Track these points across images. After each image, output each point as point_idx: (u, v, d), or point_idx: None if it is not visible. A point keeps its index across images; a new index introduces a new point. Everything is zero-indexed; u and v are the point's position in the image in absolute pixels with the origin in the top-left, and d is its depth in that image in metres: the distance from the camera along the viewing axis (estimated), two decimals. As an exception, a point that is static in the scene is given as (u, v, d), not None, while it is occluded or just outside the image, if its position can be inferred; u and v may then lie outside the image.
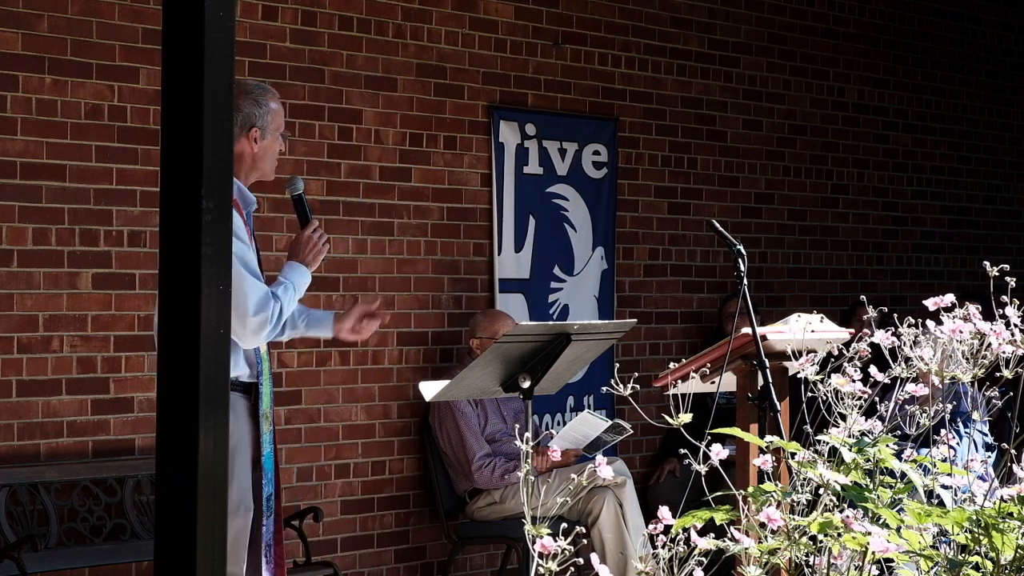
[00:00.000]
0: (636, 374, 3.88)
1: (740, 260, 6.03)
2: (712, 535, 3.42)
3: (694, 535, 3.36)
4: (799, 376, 3.61)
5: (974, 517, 3.40)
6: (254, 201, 5.58)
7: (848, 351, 3.58)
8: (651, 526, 3.42)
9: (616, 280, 9.51)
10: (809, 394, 3.55)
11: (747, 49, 10.33)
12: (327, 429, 8.13)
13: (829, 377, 3.54)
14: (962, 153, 11.94)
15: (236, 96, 5.51)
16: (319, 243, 5.59)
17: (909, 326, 3.51)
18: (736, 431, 3.83)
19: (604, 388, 3.97)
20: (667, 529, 3.38)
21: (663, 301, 9.85)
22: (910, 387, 3.56)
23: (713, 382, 5.74)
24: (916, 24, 11.57)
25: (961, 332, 3.45)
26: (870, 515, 3.39)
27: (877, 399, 3.56)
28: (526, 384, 5.74)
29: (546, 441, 8.09)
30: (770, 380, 5.90)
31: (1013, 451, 3.52)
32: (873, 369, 3.58)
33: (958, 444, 6.16)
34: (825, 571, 3.42)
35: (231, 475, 5.37)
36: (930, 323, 3.52)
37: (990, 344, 3.47)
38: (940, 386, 3.51)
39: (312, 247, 5.58)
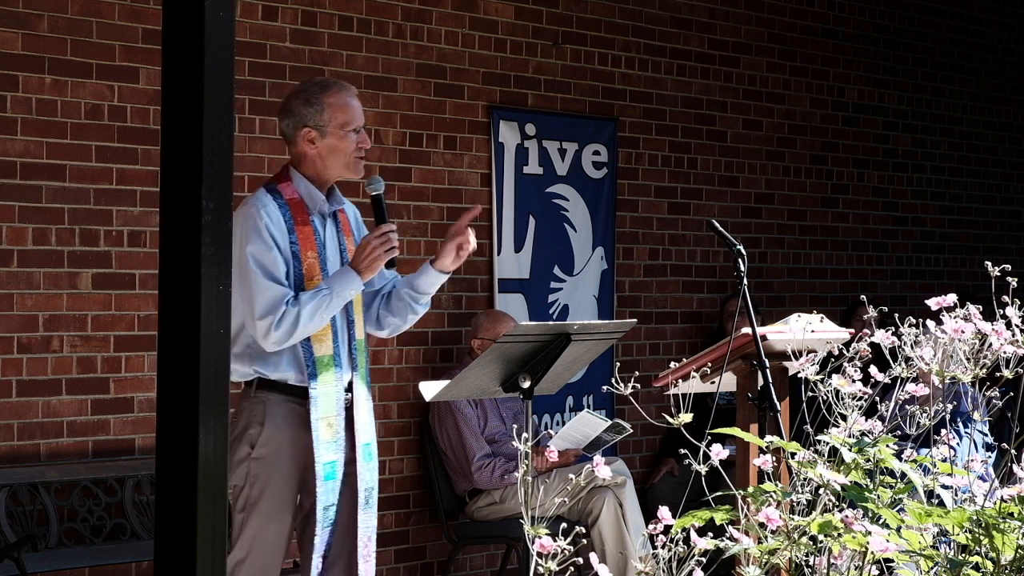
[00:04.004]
0: (636, 373, 3.88)
1: (740, 260, 6.02)
2: (712, 535, 3.42)
3: (694, 535, 3.36)
4: (799, 376, 3.61)
5: (974, 517, 3.40)
6: (324, 200, 5.39)
7: (848, 351, 3.58)
8: (651, 526, 3.41)
9: (616, 280, 9.51)
10: (809, 394, 3.55)
11: (747, 49, 10.33)
12: (327, 429, 8.12)
13: (829, 377, 3.54)
14: (962, 153, 11.94)
15: (290, 97, 5.48)
16: (379, 248, 5.28)
17: (910, 326, 3.51)
18: (736, 431, 3.83)
19: (604, 388, 3.97)
20: (667, 529, 3.38)
21: (663, 301, 9.84)
22: (910, 387, 3.56)
23: (713, 382, 5.74)
24: (916, 24, 11.57)
25: (963, 332, 3.45)
26: (870, 515, 3.39)
27: (877, 399, 3.56)
28: (526, 384, 5.73)
29: (546, 441, 8.09)
30: (770, 380, 5.90)
31: (1013, 451, 3.52)
32: (873, 369, 3.58)
33: (958, 444, 6.16)
34: (825, 571, 3.42)
35: (268, 479, 5.29)
36: (931, 323, 3.52)
37: (991, 344, 3.47)
38: (940, 386, 3.51)
39: (367, 254, 5.29)
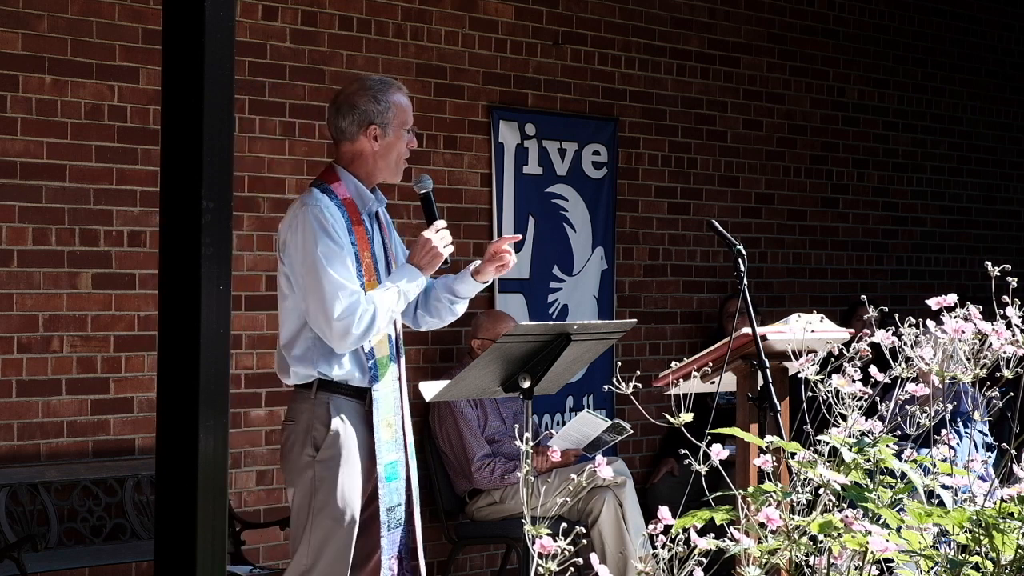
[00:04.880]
0: (636, 373, 3.87)
1: (740, 260, 6.02)
2: (712, 535, 3.42)
3: (694, 535, 3.36)
4: (799, 376, 3.61)
5: (974, 517, 3.40)
6: (373, 199, 5.42)
7: (848, 351, 3.58)
8: (651, 526, 3.41)
9: (616, 280, 9.51)
10: (809, 394, 3.55)
11: (747, 49, 10.33)
12: (327, 429, 8.11)
13: (829, 377, 3.54)
14: (962, 153, 11.94)
15: (353, 94, 5.46)
16: (438, 246, 5.36)
17: (910, 326, 3.51)
18: (736, 431, 3.83)
19: (605, 388, 3.97)
20: (667, 529, 3.38)
21: (663, 301, 9.84)
22: (910, 387, 3.56)
23: (713, 382, 5.74)
24: (916, 24, 11.57)
25: (963, 332, 3.45)
26: (870, 515, 3.39)
27: (877, 399, 3.56)
28: (526, 384, 5.73)
29: (546, 441, 8.08)
30: (770, 380, 5.90)
31: (1013, 451, 3.52)
32: (873, 369, 3.58)
33: (958, 444, 6.16)
34: (825, 571, 3.42)
35: (334, 482, 5.24)
36: (931, 323, 3.52)
37: (991, 344, 3.47)
38: (940, 386, 3.51)
39: (428, 250, 5.36)
